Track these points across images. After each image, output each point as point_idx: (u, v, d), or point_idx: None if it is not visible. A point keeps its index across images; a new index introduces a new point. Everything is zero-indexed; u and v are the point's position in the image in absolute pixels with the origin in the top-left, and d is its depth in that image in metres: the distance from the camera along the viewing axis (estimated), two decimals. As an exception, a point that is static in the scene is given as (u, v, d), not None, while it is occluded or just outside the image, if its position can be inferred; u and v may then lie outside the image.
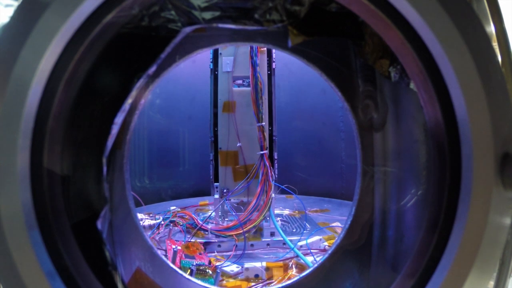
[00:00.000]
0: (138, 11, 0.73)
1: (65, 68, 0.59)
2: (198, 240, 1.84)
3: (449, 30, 0.56)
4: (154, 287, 1.13)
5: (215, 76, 2.05)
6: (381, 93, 1.05)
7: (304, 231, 2.01)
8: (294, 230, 2.07)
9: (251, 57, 1.93)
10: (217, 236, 1.91)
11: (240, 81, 2.06)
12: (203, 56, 1.87)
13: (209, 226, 1.97)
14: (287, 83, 2.94)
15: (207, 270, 1.56)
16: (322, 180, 2.98)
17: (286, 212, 2.42)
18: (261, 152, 1.96)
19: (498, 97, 0.56)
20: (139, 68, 0.77)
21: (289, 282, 1.24)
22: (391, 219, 1.04)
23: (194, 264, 1.58)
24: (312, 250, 1.77)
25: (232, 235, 1.89)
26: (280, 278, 1.53)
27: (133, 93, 0.77)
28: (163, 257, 1.23)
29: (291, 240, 1.82)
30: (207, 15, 0.80)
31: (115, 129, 0.74)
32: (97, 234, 0.67)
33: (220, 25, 0.82)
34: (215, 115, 2.04)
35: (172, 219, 2.05)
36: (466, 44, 0.56)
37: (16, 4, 0.56)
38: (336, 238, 1.22)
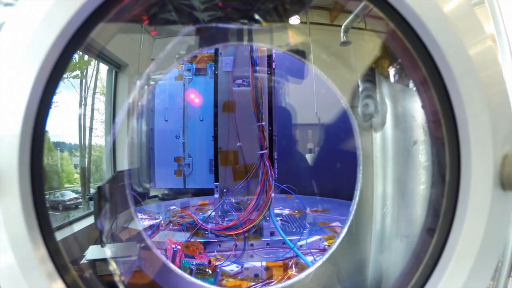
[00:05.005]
0: (138, 12, 0.73)
1: (64, 67, 0.59)
2: (198, 240, 1.84)
3: (448, 30, 0.57)
4: (154, 287, 1.13)
5: (215, 75, 2.05)
6: (381, 93, 1.06)
7: (304, 231, 2.01)
8: (294, 230, 2.07)
9: (251, 57, 1.93)
10: (217, 235, 1.91)
11: (240, 81, 2.06)
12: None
13: (209, 226, 1.97)
14: (286, 83, 2.95)
15: (207, 270, 1.56)
16: (322, 180, 2.98)
17: (286, 212, 2.42)
18: (261, 152, 1.96)
19: (497, 97, 0.56)
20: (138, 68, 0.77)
21: (288, 281, 1.24)
22: (390, 219, 1.04)
23: (194, 263, 1.59)
24: (311, 250, 1.77)
25: (232, 235, 1.89)
26: (279, 277, 1.54)
27: (133, 93, 0.77)
28: (163, 257, 1.23)
29: (291, 240, 1.83)
30: (207, 15, 0.81)
31: (115, 129, 0.74)
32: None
33: (220, 25, 0.82)
34: (215, 115, 2.04)
35: (172, 219, 2.05)
36: (465, 44, 0.56)
37: (16, 3, 0.57)
38: (336, 238, 1.22)
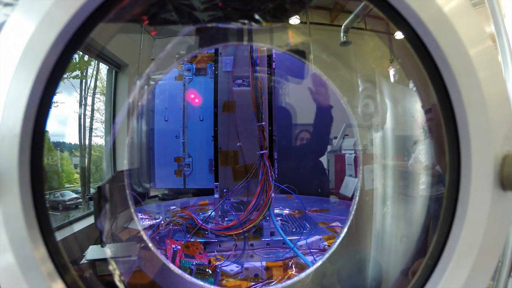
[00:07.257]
0: (137, 13, 0.73)
1: (64, 67, 0.59)
2: (198, 240, 1.84)
3: (448, 30, 0.57)
4: (154, 287, 1.13)
5: (215, 75, 2.05)
6: (381, 93, 1.06)
7: (304, 231, 2.01)
8: (294, 230, 2.07)
9: (251, 57, 1.93)
10: (217, 235, 1.91)
11: (240, 81, 2.06)
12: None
13: (209, 226, 1.97)
14: (286, 83, 2.95)
15: (207, 270, 1.56)
16: (322, 180, 2.98)
17: (286, 212, 2.42)
18: (261, 152, 1.96)
19: (497, 97, 0.56)
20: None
21: (288, 281, 1.24)
22: (390, 219, 1.04)
23: (194, 263, 1.58)
24: (311, 250, 1.77)
25: (232, 235, 1.89)
26: (279, 277, 1.54)
27: (133, 93, 0.77)
28: (163, 257, 1.23)
29: (290, 240, 1.82)
30: (207, 15, 0.80)
31: (115, 129, 0.74)
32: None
33: (220, 25, 0.82)
34: (215, 115, 2.04)
35: (172, 219, 2.05)
36: (465, 44, 0.56)
37: (16, 3, 0.57)
38: (336, 237, 1.22)
